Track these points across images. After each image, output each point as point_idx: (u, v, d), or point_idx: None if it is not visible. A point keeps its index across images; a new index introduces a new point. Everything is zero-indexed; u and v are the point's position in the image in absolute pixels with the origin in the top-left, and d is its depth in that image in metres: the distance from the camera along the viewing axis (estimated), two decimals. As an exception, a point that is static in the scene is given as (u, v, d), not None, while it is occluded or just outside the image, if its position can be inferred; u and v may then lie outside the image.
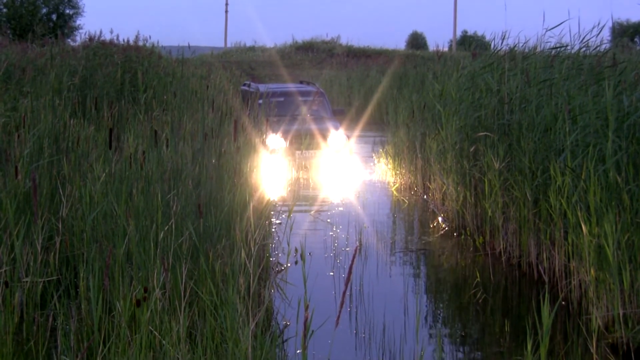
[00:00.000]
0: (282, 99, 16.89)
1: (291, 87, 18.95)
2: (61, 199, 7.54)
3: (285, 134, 15.10)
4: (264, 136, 11.66)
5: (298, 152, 15.78)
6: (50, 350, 6.01)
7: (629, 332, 6.61)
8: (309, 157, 15.97)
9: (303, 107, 17.23)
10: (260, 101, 15.63)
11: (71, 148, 9.27)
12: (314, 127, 16.30)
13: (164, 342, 5.18)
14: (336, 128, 16.70)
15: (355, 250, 3.48)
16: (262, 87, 17.58)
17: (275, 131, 13.51)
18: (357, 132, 23.66)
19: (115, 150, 8.26)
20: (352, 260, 3.34)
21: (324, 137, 16.23)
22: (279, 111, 15.98)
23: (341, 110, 19.02)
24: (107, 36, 22.54)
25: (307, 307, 3.53)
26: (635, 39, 52.25)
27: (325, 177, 15.68)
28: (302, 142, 15.72)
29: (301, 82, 20.69)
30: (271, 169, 10.67)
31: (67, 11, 42.53)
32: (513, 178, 9.20)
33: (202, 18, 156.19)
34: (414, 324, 7.07)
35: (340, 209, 12.42)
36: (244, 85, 19.80)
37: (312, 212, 12.09)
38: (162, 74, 18.38)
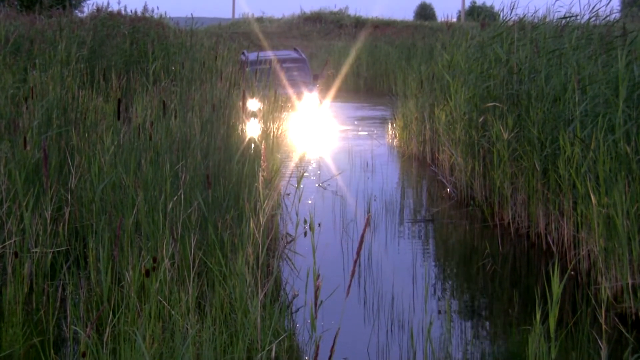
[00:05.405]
0: (265, 66, 17.34)
1: (271, 54, 19.85)
2: (70, 169, 7.55)
3: (262, 98, 15.38)
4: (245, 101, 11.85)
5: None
6: (60, 320, 6.05)
7: (638, 302, 6.61)
8: (284, 119, 16.30)
9: (283, 72, 18.40)
10: (248, 69, 16.11)
11: (80, 119, 9.28)
12: (290, 91, 17.56)
13: (173, 312, 5.20)
14: (311, 91, 18.42)
15: (367, 220, 3.46)
16: (251, 56, 18.70)
17: (253, 96, 13.74)
18: (365, 104, 23.65)
19: (124, 121, 8.25)
20: (364, 230, 3.32)
21: (299, 99, 17.78)
22: (261, 77, 16.29)
23: (321, 75, 20.96)
24: (114, 7, 22.50)
25: (317, 277, 3.53)
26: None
27: (328, 146, 15.70)
28: (277, 105, 16.19)
29: (294, 49, 22.05)
30: (254, 132, 10.65)
31: (74, -18, 42.34)
32: (522, 148, 9.17)
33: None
34: (423, 294, 7.08)
35: (348, 179, 12.40)
36: (242, 54, 20.61)
37: (321, 183, 12.08)
38: (170, 44, 18.37)
